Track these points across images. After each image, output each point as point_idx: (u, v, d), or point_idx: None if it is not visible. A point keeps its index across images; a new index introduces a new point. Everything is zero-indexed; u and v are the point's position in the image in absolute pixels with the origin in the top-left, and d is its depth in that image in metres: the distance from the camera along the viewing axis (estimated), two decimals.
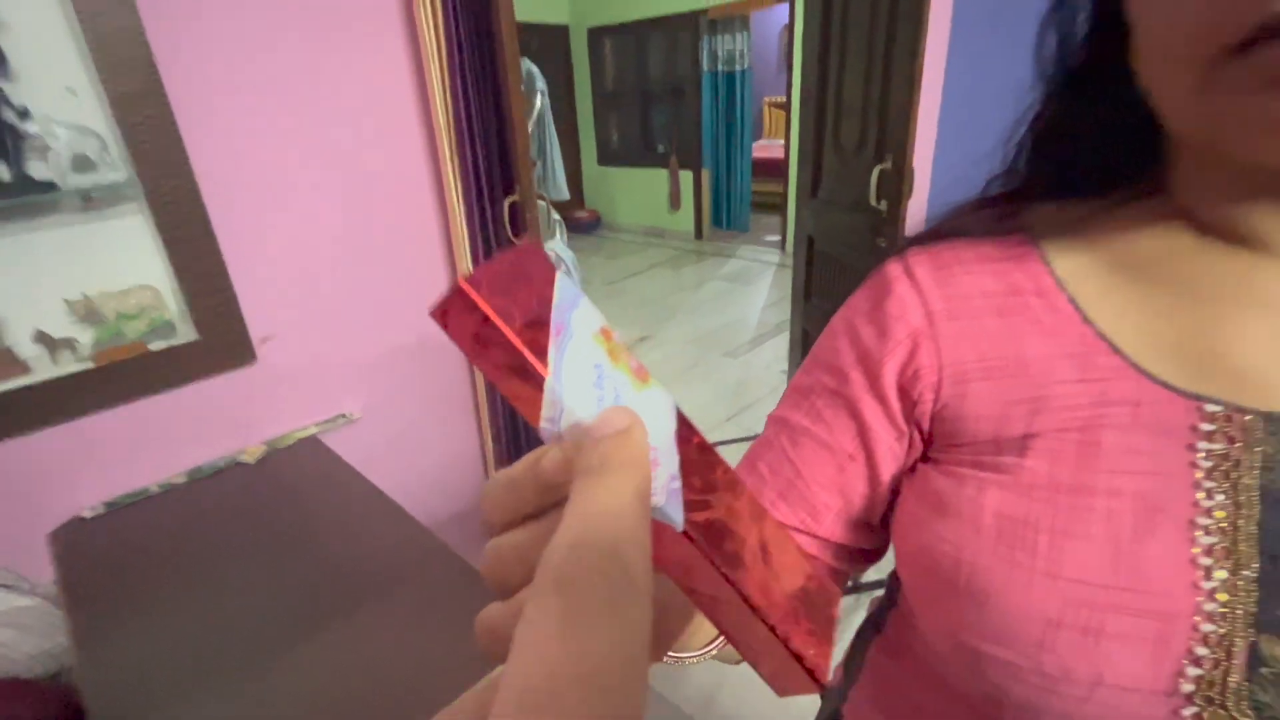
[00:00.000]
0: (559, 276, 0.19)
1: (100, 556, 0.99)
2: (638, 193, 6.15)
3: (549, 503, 0.18)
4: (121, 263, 1.05)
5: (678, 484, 0.19)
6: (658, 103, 5.67)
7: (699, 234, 5.74)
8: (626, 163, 6.14)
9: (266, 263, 1.21)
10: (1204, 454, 0.30)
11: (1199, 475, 0.30)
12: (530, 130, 2.66)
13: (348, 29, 1.20)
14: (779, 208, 5.12)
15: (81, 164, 0.98)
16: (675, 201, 5.80)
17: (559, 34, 5.97)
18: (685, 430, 0.20)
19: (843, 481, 0.39)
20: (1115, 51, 0.32)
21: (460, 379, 1.54)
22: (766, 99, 7.00)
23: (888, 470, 0.39)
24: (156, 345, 1.10)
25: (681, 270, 5.14)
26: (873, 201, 1.55)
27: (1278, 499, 0.29)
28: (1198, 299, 0.32)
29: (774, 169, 5.48)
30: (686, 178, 5.64)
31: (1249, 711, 0.27)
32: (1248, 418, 0.30)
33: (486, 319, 0.16)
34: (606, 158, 6.30)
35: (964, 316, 0.36)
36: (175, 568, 0.96)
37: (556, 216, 2.85)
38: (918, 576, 0.36)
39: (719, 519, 0.19)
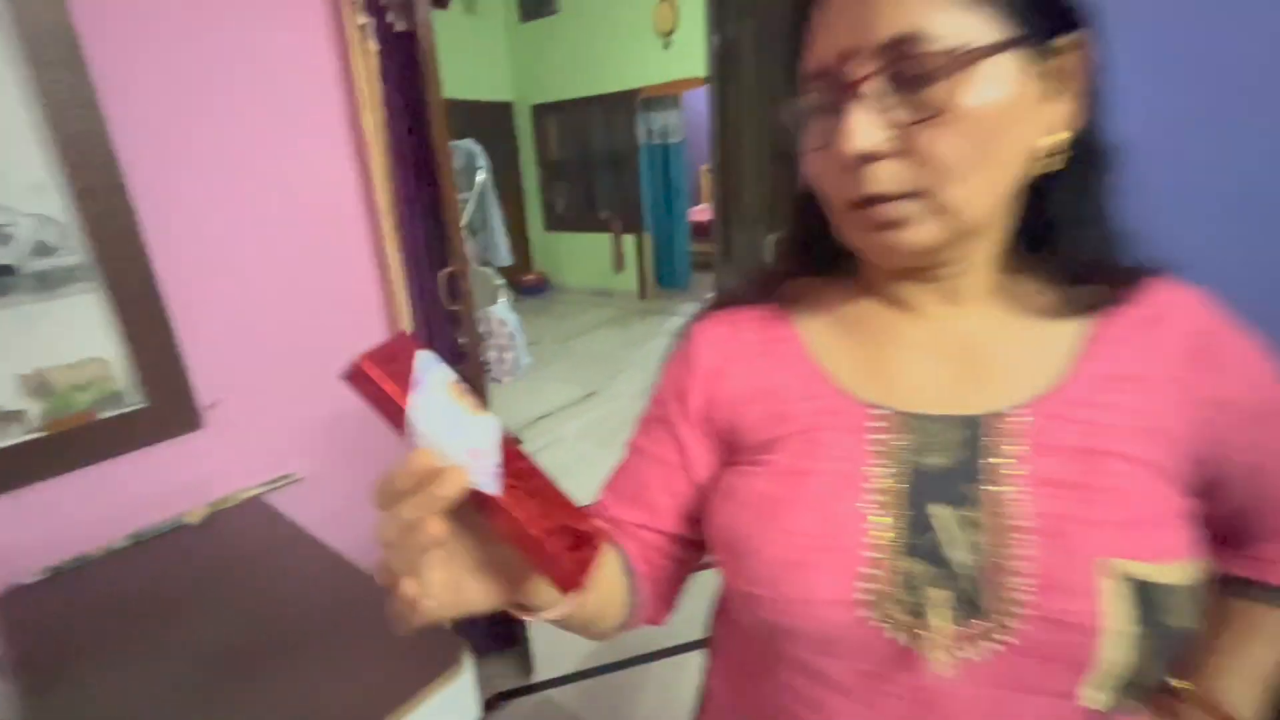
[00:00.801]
0: (420, 352, 0.34)
1: (42, 623, 1.02)
2: (584, 256, 6.41)
3: (413, 488, 0.31)
4: (74, 337, 1.12)
5: (499, 470, 0.33)
6: (600, 172, 6.01)
7: (643, 293, 5.99)
8: (572, 228, 6.41)
9: (217, 332, 1.29)
10: (874, 442, 0.45)
11: (871, 455, 0.45)
12: (473, 203, 2.84)
13: (298, 121, 1.34)
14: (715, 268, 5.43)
15: (41, 249, 1.07)
16: (619, 264, 6.06)
17: (504, 110, 6.31)
18: (508, 441, 0.35)
19: (671, 485, 0.54)
20: None
21: (397, 440, 1.62)
22: (703, 166, 7.49)
23: (702, 473, 0.53)
24: (105, 414, 1.16)
25: (628, 328, 5.33)
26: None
27: (917, 468, 0.44)
28: (876, 342, 0.49)
29: (710, 231, 5.83)
30: (629, 241, 5.93)
31: (899, 610, 0.41)
32: (898, 416, 0.45)
33: (374, 381, 0.31)
34: (553, 224, 6.57)
35: (740, 360, 0.52)
36: (118, 631, 0.98)
37: (500, 282, 3.00)
38: (718, 549, 0.49)
39: (522, 490, 0.34)
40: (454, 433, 0.32)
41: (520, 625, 1.81)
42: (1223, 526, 0.53)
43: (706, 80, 2.02)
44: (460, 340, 1.53)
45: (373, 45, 1.32)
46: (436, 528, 0.31)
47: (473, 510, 0.34)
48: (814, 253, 0.52)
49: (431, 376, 0.33)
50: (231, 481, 1.35)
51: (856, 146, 0.38)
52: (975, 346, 0.46)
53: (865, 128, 0.38)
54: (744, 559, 0.45)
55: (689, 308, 5.78)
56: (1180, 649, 0.40)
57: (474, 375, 1.56)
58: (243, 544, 1.21)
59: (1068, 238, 0.44)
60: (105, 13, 1.10)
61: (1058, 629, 0.38)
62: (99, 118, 1.07)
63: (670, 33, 5.01)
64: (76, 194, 1.07)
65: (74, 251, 1.10)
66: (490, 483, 0.32)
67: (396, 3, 1.31)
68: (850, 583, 0.42)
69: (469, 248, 2.98)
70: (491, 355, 3.07)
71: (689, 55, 4.87)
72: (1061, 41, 0.39)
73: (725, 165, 1.99)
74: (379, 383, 0.31)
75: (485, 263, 3.13)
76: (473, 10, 5.82)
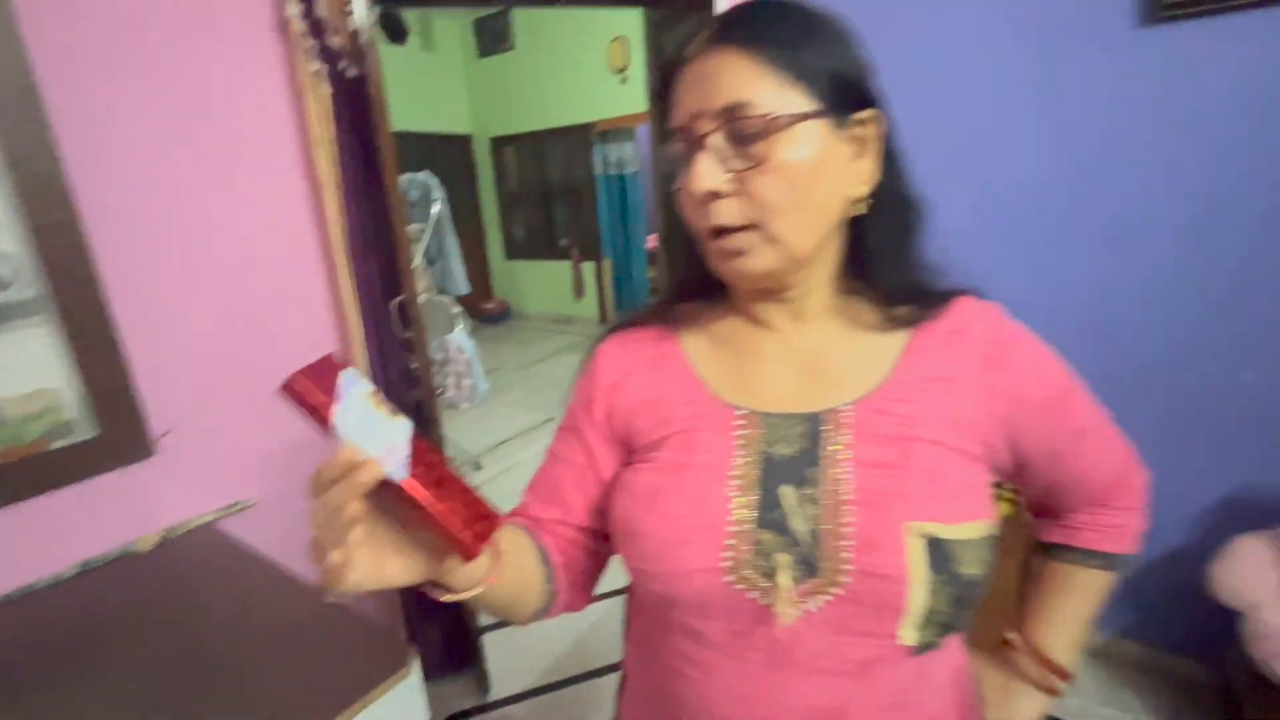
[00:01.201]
0: (346, 368, 0.41)
1: None
2: (544, 283, 6.49)
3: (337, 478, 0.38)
4: (27, 369, 1.15)
5: (406, 463, 0.41)
6: (558, 201, 6.14)
7: (603, 319, 6.09)
8: (532, 256, 6.50)
9: (171, 362, 1.33)
10: (738, 437, 0.55)
11: (735, 448, 0.54)
12: (429, 234, 2.91)
13: (253, 162, 1.41)
14: None
15: None
16: (579, 290, 6.16)
17: (463, 143, 6.41)
18: (418, 440, 0.43)
19: (582, 484, 0.62)
20: None
21: None
22: None
23: (607, 473, 0.62)
24: (57, 444, 1.19)
25: None
26: None
27: (769, 457, 0.53)
28: (741, 354, 0.59)
29: None
30: (589, 268, 6.04)
31: (755, 573, 0.50)
32: (757, 415, 0.55)
33: (303, 394, 0.37)
34: (513, 252, 6.65)
35: (634, 374, 0.61)
36: (62, 662, 0.98)
37: (457, 310, 3.05)
38: (615, 535, 0.58)
39: (428, 479, 0.41)
40: (371, 434, 0.38)
41: (475, 645, 1.84)
42: (1040, 502, 0.65)
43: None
44: (413, 366, 1.59)
45: (325, 90, 1.40)
46: (357, 508, 0.37)
47: (391, 501, 0.40)
48: (701, 281, 0.62)
49: (353, 389, 0.40)
50: (183, 509, 1.37)
51: (703, 186, 0.49)
52: (817, 356, 0.57)
53: (709, 171, 0.49)
54: (635, 540, 0.54)
55: None
56: (973, 594, 0.49)
57: (426, 399, 1.62)
58: (193, 570, 1.24)
59: (881, 267, 0.55)
60: (63, 56, 1.16)
61: (875, 580, 0.48)
62: (55, 159, 1.12)
63: (624, 69, 5.21)
64: (32, 230, 1.11)
65: (29, 285, 1.14)
66: (399, 471, 0.39)
67: (348, 50, 1.40)
68: (717, 553, 0.50)
69: (426, 277, 3.04)
70: (449, 382, 3.11)
71: (643, 90, 5.07)
72: (859, 115, 0.51)
73: (668, 195, 2.12)
74: (307, 395, 0.37)
75: (442, 291, 3.18)
76: (431, 46, 5.95)
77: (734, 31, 0.49)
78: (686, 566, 0.51)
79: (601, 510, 0.62)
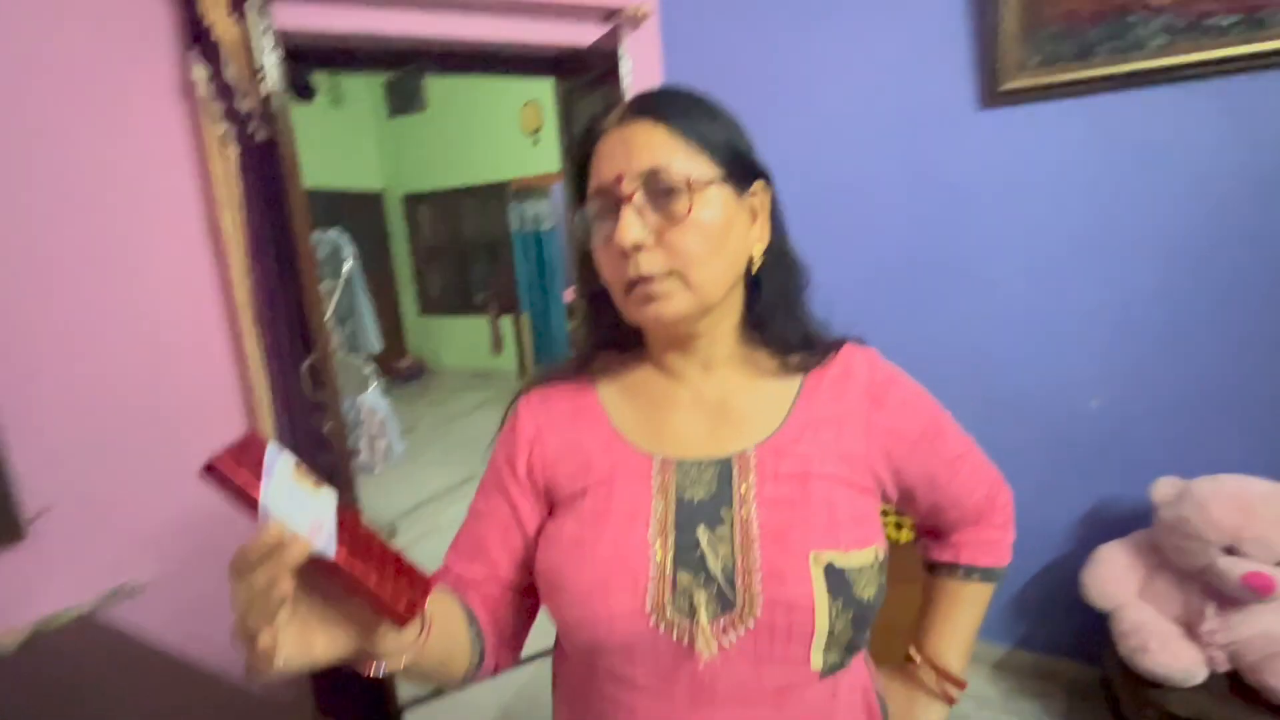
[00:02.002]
0: (269, 443, 0.41)
1: None
2: (461, 339, 6.39)
3: (263, 558, 0.36)
4: None
5: (334, 537, 0.41)
6: (474, 257, 6.13)
7: (523, 373, 6.04)
8: (448, 311, 6.41)
9: (52, 436, 1.23)
10: (654, 484, 0.58)
11: (653, 494, 0.58)
12: (339, 292, 2.84)
13: (152, 221, 1.36)
14: None
15: None
16: (498, 345, 6.11)
17: (374, 200, 6.32)
18: (343, 510, 0.43)
19: (507, 540, 0.63)
20: None
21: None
22: None
23: (531, 525, 0.63)
24: None
25: None
26: None
27: (683, 501, 0.57)
28: (656, 405, 0.63)
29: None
30: (507, 323, 6.02)
31: (676, 613, 0.53)
32: (671, 462, 0.59)
33: (228, 477, 0.36)
34: (428, 308, 6.53)
35: (554, 427, 0.64)
36: None
37: (369, 370, 2.96)
38: (543, 586, 0.59)
39: (357, 550, 0.42)
40: (298, 509, 0.38)
41: (395, 706, 1.73)
42: (926, 523, 0.72)
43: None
44: (325, 429, 1.54)
45: (232, 151, 1.38)
46: (286, 587, 0.36)
47: (318, 576, 0.40)
48: (616, 335, 0.66)
49: (278, 464, 0.39)
50: (58, 598, 1.24)
51: (630, 238, 0.54)
52: (724, 403, 0.62)
53: (634, 225, 0.54)
54: (560, 590, 0.56)
55: None
56: (869, 614, 0.54)
57: (339, 462, 1.56)
58: (66, 670, 1.11)
59: (775, 318, 0.62)
60: None
61: (785, 609, 0.52)
62: None
63: (537, 130, 5.38)
64: None
65: None
66: (329, 546, 0.39)
67: (257, 114, 1.40)
68: (641, 597, 0.53)
69: (336, 336, 2.94)
70: (362, 444, 2.98)
71: (556, 151, 5.24)
72: (753, 186, 0.59)
73: (583, 251, 2.19)
74: (233, 476, 0.36)
75: (353, 350, 3.08)
76: (340, 104, 5.90)
77: (649, 107, 0.56)
78: (610, 611, 0.53)
79: (527, 564, 0.63)
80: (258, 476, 0.37)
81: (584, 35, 1.85)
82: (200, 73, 1.34)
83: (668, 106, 0.56)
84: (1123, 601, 1.48)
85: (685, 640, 0.52)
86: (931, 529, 0.73)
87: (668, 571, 0.54)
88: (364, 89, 6.11)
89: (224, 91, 1.37)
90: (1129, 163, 1.47)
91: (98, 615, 1.25)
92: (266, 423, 1.48)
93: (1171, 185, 1.44)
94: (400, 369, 6.30)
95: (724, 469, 0.58)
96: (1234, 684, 1.32)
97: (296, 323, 1.50)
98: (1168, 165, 1.44)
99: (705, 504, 0.57)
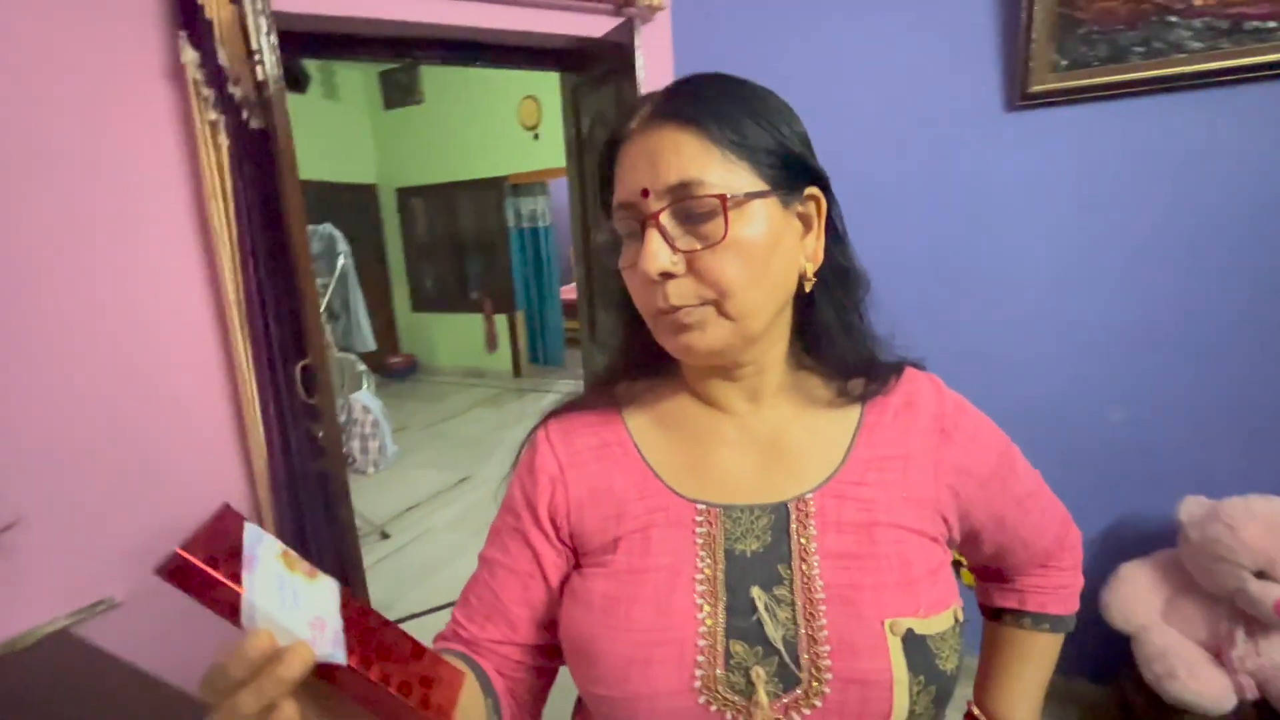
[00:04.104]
0: (246, 525, 0.33)
1: None
2: (454, 336, 6.30)
3: (251, 675, 0.29)
4: None
5: (341, 637, 0.32)
6: (469, 254, 6.04)
7: (517, 372, 5.97)
8: (442, 308, 6.31)
9: (25, 445, 1.15)
10: (699, 535, 0.50)
11: (697, 547, 0.50)
12: (333, 288, 2.75)
13: (138, 214, 1.28)
14: None
15: None
16: (492, 343, 6.03)
17: (368, 193, 6.21)
18: (347, 600, 0.35)
19: (528, 596, 0.55)
20: None
21: None
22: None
23: (556, 578, 0.55)
24: None
25: (503, 408, 5.25)
26: None
27: (733, 555, 0.49)
28: (697, 440, 0.55)
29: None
30: (501, 320, 5.94)
31: (730, 691, 0.45)
32: (717, 509, 0.51)
33: (201, 571, 0.28)
34: (421, 305, 6.43)
35: (579, 465, 0.55)
36: None
37: (363, 368, 2.88)
38: (569, 654, 0.51)
39: (371, 650, 0.33)
40: (294, 606, 0.31)
41: None
42: (990, 567, 0.65)
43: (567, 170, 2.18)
44: (319, 434, 1.46)
45: (223, 140, 1.30)
46: (288, 711, 0.29)
47: (322, 687, 0.32)
48: (645, 357, 0.57)
49: (262, 549, 0.31)
50: (32, 614, 1.16)
51: (656, 267, 0.46)
52: (776, 438, 0.54)
53: (661, 251, 0.46)
54: (592, 661, 0.48)
55: (564, 384, 5.84)
56: (951, 689, 0.47)
57: (335, 469, 1.49)
58: (39, 687, 1.04)
59: (832, 342, 0.54)
60: None
61: (859, 687, 0.44)
62: None
63: (535, 126, 5.30)
64: None
65: None
66: (338, 651, 0.31)
67: (251, 101, 1.32)
68: (690, 671, 0.45)
69: (329, 333, 2.86)
70: (354, 445, 2.89)
71: (556, 146, 5.16)
72: (806, 192, 0.51)
73: (586, 248, 2.13)
74: (207, 570, 0.28)
75: (346, 348, 3.00)
76: (333, 95, 5.79)
77: (677, 108, 0.47)
78: (653, 689, 0.45)
79: (549, 623, 0.55)
80: (237, 568, 0.29)
81: (593, 26, 1.78)
82: (190, 56, 1.26)
83: (701, 105, 0.47)
84: (1146, 624, 1.43)
85: None
86: (995, 572, 0.66)
87: (719, 642, 0.46)
88: (359, 81, 6.00)
89: (216, 77, 1.29)
90: (1161, 170, 1.42)
91: (72, 632, 1.17)
92: (256, 428, 1.40)
93: (1204, 194, 1.39)
94: (392, 366, 6.20)
95: (780, 517, 0.50)
96: (1262, 712, 1.28)
97: (290, 322, 1.42)
98: (1201, 173, 1.39)
99: (760, 559, 0.49)
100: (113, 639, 1.17)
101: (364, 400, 2.86)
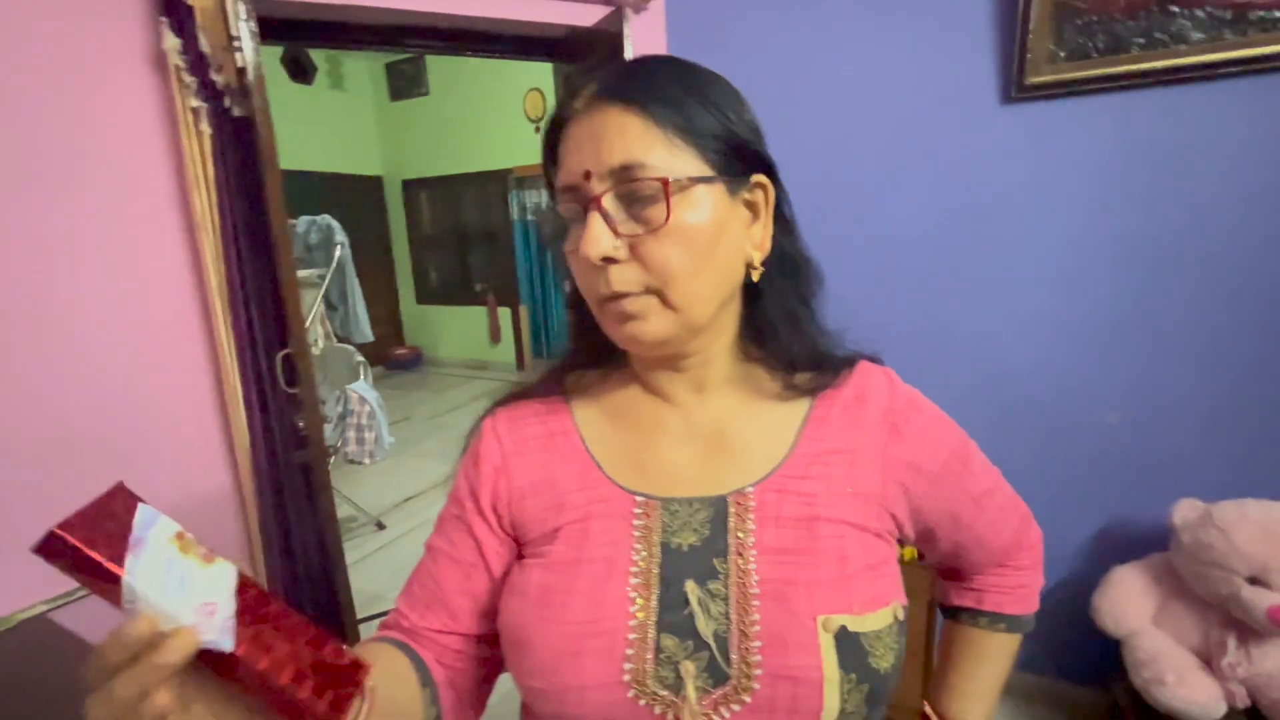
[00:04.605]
0: (140, 506, 0.32)
1: None
2: (458, 329, 6.31)
3: (129, 660, 0.28)
4: None
5: (231, 622, 0.31)
6: (474, 246, 6.04)
7: (520, 365, 5.97)
8: (446, 301, 6.33)
9: (7, 426, 1.15)
10: (636, 527, 0.50)
11: (634, 540, 0.49)
12: (330, 278, 2.75)
13: (119, 202, 1.28)
14: None
15: None
16: (495, 336, 6.03)
17: (373, 184, 6.23)
18: (245, 586, 0.34)
19: (470, 585, 0.54)
20: None
21: (228, 534, 1.49)
22: None
23: (499, 568, 0.54)
24: None
25: None
26: None
27: (669, 548, 0.48)
28: (641, 431, 0.54)
29: None
30: (505, 314, 5.94)
31: (659, 685, 0.44)
32: (656, 502, 0.50)
33: (78, 549, 0.27)
34: (425, 297, 6.45)
35: (523, 454, 0.55)
36: None
37: (360, 359, 2.88)
38: (506, 645, 0.50)
39: (265, 637, 0.32)
40: (181, 591, 0.30)
41: None
42: (946, 565, 0.64)
43: None
44: (300, 424, 1.46)
45: (206, 128, 1.30)
46: (163, 699, 0.28)
47: (211, 675, 0.31)
48: (594, 347, 0.57)
49: (154, 532, 0.31)
50: (10, 600, 1.17)
51: (597, 251, 0.45)
52: (720, 430, 0.53)
53: (603, 235, 0.45)
54: (525, 652, 0.47)
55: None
56: (886, 688, 0.46)
57: (317, 461, 1.49)
58: (12, 674, 1.05)
59: (779, 333, 0.53)
60: None
61: (787, 684, 0.43)
62: None
63: (540, 118, 5.28)
64: None
65: None
66: (225, 638, 0.30)
67: (234, 89, 1.31)
68: (619, 664, 0.45)
69: (328, 324, 2.86)
70: (350, 435, 2.90)
71: None
72: (753, 179, 0.49)
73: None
74: (85, 550, 0.27)
75: (344, 339, 3.00)
76: (340, 86, 5.80)
77: (623, 89, 0.46)
78: (583, 681, 0.45)
79: (492, 612, 0.54)
80: (121, 548, 0.29)
81: (585, 15, 1.76)
82: (172, 43, 1.25)
83: (646, 87, 0.46)
84: (1137, 628, 1.41)
85: (669, 718, 0.44)
86: (951, 569, 0.65)
87: (650, 635, 0.45)
88: (365, 72, 6.01)
89: (198, 64, 1.28)
90: (1160, 164, 1.38)
91: (50, 617, 1.18)
92: (239, 417, 1.40)
93: (1205, 189, 1.35)
94: (397, 358, 6.23)
95: (719, 511, 0.49)
96: None
97: (272, 311, 1.42)
98: (1201, 168, 1.35)
99: (697, 552, 0.48)
100: (92, 625, 1.17)
101: (361, 391, 2.86)
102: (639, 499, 0.51)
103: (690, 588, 0.47)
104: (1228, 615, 1.30)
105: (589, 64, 0.50)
